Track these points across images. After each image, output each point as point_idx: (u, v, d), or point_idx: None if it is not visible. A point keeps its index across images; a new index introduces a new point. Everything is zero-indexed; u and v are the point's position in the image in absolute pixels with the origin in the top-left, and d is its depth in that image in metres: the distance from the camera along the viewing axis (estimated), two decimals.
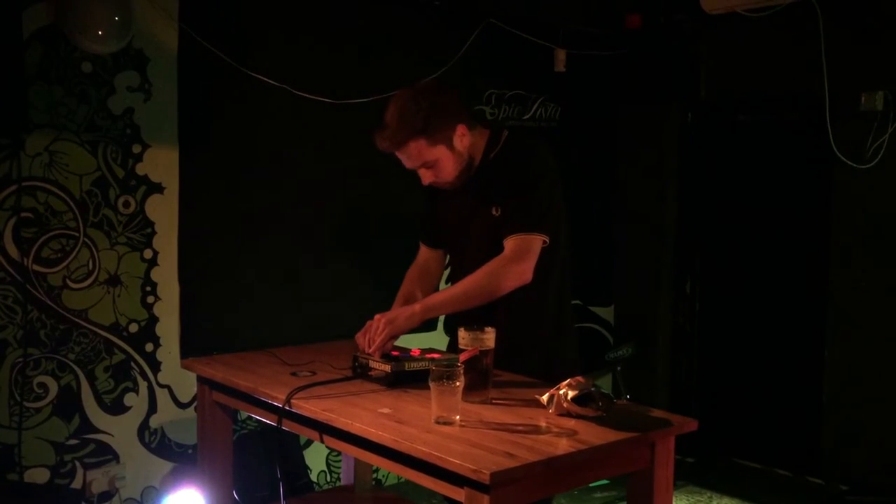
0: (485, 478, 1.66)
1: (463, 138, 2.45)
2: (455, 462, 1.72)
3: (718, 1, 4.23)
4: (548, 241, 2.42)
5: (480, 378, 2.16)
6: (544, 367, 2.47)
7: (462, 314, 2.46)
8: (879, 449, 4.01)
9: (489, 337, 2.17)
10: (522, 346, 2.48)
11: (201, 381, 2.66)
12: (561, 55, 4.54)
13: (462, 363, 2.10)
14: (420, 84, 2.52)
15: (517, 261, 2.38)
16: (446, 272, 2.85)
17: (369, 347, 2.33)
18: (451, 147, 2.43)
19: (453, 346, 2.63)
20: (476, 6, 4.21)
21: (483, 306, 2.43)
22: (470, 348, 2.15)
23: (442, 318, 4.04)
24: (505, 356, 2.36)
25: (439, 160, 2.43)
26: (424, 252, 2.80)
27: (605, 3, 4.70)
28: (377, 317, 2.37)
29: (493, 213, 2.47)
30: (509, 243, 2.40)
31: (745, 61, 4.44)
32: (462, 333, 2.18)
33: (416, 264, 2.80)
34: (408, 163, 2.47)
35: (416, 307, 2.39)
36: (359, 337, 2.43)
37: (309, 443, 3.83)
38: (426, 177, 2.49)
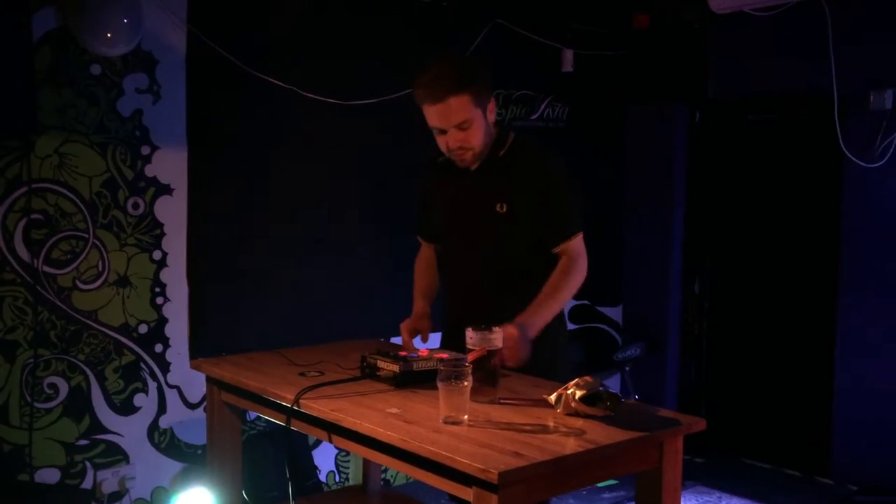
0: (493, 477, 1.66)
1: (492, 114, 2.49)
2: (463, 462, 1.72)
3: (726, 0, 4.23)
4: (582, 235, 2.51)
5: (488, 378, 2.16)
6: (548, 360, 2.48)
7: (466, 313, 2.47)
8: (889, 449, 4.00)
9: (497, 337, 2.17)
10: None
11: (210, 381, 2.67)
12: (568, 55, 4.54)
13: (470, 363, 2.10)
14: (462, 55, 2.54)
15: (580, 260, 2.49)
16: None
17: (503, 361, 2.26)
18: (485, 115, 2.45)
19: (451, 344, 2.62)
20: (483, 6, 4.21)
21: (488, 304, 2.44)
22: (478, 348, 2.15)
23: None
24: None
25: (474, 122, 2.41)
26: (426, 247, 2.81)
27: (612, 3, 4.70)
28: (512, 336, 2.26)
29: (498, 209, 2.47)
30: (563, 251, 2.48)
31: (753, 60, 4.43)
32: (470, 333, 2.17)
33: (421, 258, 2.82)
34: (442, 119, 2.40)
35: (530, 334, 2.33)
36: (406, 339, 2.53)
37: (317, 443, 3.84)
38: (455, 139, 2.42)
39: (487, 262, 2.53)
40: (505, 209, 2.47)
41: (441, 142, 2.47)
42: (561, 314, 2.61)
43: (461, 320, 2.42)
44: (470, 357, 2.14)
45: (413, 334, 2.60)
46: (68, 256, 3.20)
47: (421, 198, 2.74)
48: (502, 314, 2.38)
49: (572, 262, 2.47)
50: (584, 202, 2.61)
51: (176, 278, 3.45)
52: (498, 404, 2.14)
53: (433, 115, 2.41)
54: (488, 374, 2.15)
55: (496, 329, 2.17)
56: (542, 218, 2.48)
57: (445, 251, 2.72)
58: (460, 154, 2.47)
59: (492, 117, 2.48)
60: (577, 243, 2.49)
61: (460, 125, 2.40)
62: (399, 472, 1.98)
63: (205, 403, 2.91)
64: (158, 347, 3.43)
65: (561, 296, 2.46)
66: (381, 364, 2.34)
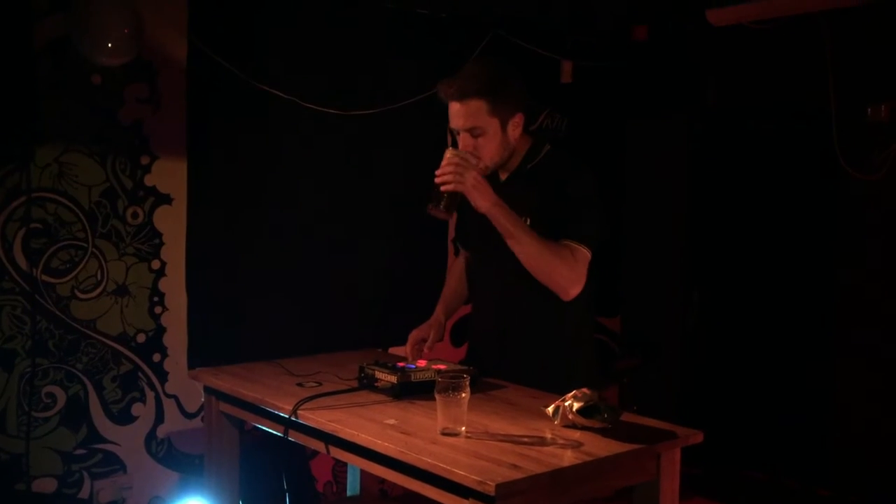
0: (490, 489, 1.66)
1: (516, 129, 2.44)
2: (460, 474, 1.73)
3: (725, 13, 4.25)
4: (589, 256, 2.39)
5: (439, 198, 2.32)
6: (564, 382, 2.47)
7: (488, 327, 2.47)
8: (889, 460, 4.00)
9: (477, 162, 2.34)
10: (544, 363, 2.47)
11: (208, 391, 2.67)
12: (567, 66, 4.55)
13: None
14: (504, 62, 2.53)
15: (574, 264, 2.35)
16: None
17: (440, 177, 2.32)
18: (503, 128, 2.41)
19: (475, 357, 2.63)
20: (482, 18, 4.23)
21: (509, 320, 2.43)
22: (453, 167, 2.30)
23: (449, 328, 4.06)
24: (526, 371, 2.37)
25: (487, 133, 2.39)
26: (463, 254, 2.82)
27: (611, 15, 4.71)
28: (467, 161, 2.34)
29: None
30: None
31: (752, 73, 4.44)
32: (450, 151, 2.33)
33: (455, 265, 2.83)
34: (458, 119, 2.40)
35: (487, 193, 2.31)
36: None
37: (315, 453, 3.84)
38: (466, 143, 2.42)
39: (510, 278, 2.50)
40: (528, 223, 2.42)
41: (458, 143, 2.48)
42: (583, 334, 2.56)
43: (483, 335, 2.42)
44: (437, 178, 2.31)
45: (420, 342, 2.60)
46: (67, 265, 3.20)
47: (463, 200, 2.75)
48: (523, 331, 2.37)
49: (572, 255, 2.35)
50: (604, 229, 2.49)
51: (174, 288, 3.45)
52: (500, 412, 2.14)
53: (451, 113, 2.43)
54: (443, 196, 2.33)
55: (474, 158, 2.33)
56: (560, 217, 2.38)
57: (473, 263, 2.73)
58: None
59: (515, 132, 2.43)
60: (583, 254, 2.38)
61: (471, 130, 2.40)
62: (396, 483, 1.98)
63: (203, 413, 2.91)
64: (156, 357, 3.42)
65: (536, 244, 2.31)
66: (379, 375, 2.34)
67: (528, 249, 2.32)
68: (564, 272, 2.34)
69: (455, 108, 2.40)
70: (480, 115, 2.37)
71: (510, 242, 2.33)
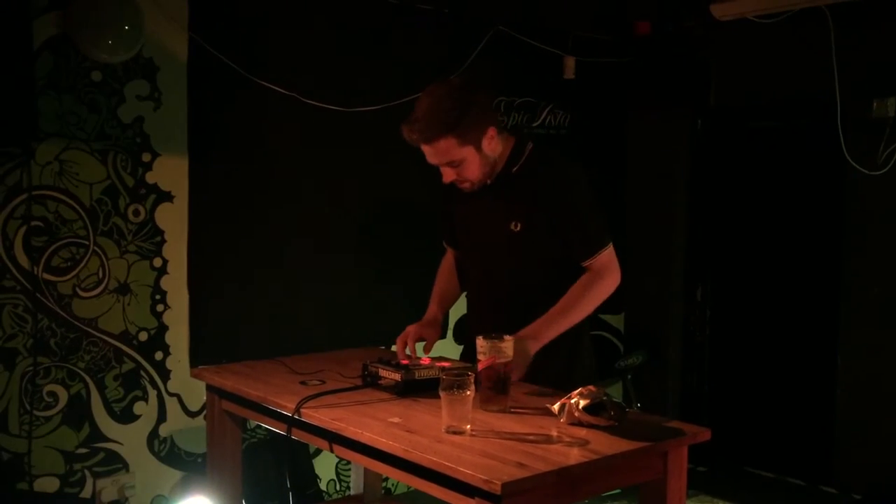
0: (496, 488, 1.65)
1: (492, 141, 2.41)
2: (466, 472, 1.71)
3: (729, 7, 4.23)
4: (611, 248, 2.47)
5: (499, 387, 2.14)
6: (564, 372, 2.46)
7: (484, 329, 2.46)
8: (892, 457, 3.98)
9: (507, 346, 2.15)
10: (544, 354, 2.46)
11: (211, 389, 2.66)
12: (570, 62, 4.53)
13: (480, 372, 2.09)
14: (455, 79, 2.48)
15: (606, 276, 2.44)
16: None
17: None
18: (479, 149, 2.39)
19: (466, 355, 2.62)
20: (485, 14, 4.21)
21: (505, 321, 2.42)
22: (488, 357, 2.13)
23: (451, 325, 4.05)
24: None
25: (465, 160, 2.38)
26: (450, 252, 2.79)
27: (614, 10, 4.69)
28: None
29: (512, 227, 2.44)
30: (589, 266, 2.44)
31: (756, 67, 4.42)
32: (480, 342, 2.15)
33: (445, 263, 2.81)
34: (433, 158, 2.40)
35: (530, 345, 2.31)
36: (399, 347, 2.50)
37: (318, 451, 3.83)
38: (448, 175, 2.43)
39: (503, 281, 2.50)
40: (519, 228, 2.43)
41: (442, 172, 2.48)
42: (583, 322, 2.57)
43: (480, 331, 2.40)
44: (480, 366, 2.13)
45: (417, 341, 2.58)
46: (68, 264, 3.18)
47: (445, 203, 2.72)
48: (519, 326, 2.35)
49: (595, 275, 2.42)
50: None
51: (176, 286, 3.44)
52: (508, 413, 2.12)
53: (424, 151, 2.41)
54: (499, 383, 2.13)
55: (507, 338, 2.15)
56: (566, 237, 2.43)
57: (464, 265, 2.71)
58: (458, 184, 2.48)
59: (491, 145, 2.41)
60: (605, 257, 2.44)
61: (450, 163, 2.40)
62: (400, 481, 1.97)
63: (205, 411, 2.90)
64: (159, 355, 3.41)
65: (575, 311, 2.39)
66: (382, 373, 2.32)
67: (581, 317, 2.43)
68: (605, 289, 2.45)
69: (427, 149, 2.39)
70: (451, 150, 2.36)
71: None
